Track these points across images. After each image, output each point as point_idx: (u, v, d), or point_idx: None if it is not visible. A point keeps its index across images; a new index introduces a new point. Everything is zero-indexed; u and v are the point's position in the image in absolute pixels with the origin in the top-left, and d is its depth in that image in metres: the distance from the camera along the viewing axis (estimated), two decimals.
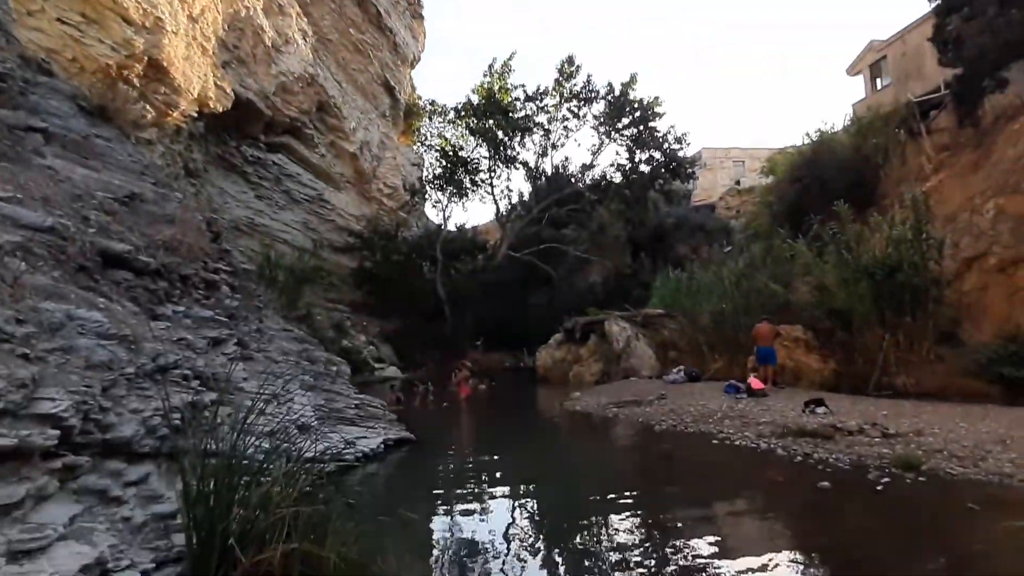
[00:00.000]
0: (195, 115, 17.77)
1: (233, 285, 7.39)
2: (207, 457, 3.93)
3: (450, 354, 24.17)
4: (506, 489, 6.28)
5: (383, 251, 27.99)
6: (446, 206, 30.56)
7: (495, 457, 8.32)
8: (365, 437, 7.96)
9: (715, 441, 8.15)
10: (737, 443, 7.89)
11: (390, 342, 25.77)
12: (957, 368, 11.52)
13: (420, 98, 34.49)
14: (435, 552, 4.57)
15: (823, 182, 19.32)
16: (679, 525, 4.78)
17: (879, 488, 5.53)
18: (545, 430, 10.83)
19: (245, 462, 4.21)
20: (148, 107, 14.62)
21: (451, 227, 32.24)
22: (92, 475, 3.55)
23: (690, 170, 28.88)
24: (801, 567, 3.96)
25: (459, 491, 6.30)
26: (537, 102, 28.43)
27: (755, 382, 11.39)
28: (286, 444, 4.57)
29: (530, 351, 24.66)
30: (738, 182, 38.47)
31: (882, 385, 11.30)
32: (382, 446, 8.14)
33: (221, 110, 18.96)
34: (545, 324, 25.53)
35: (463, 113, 28.72)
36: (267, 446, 4.49)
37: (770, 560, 4.02)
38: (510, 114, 27.84)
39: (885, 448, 6.77)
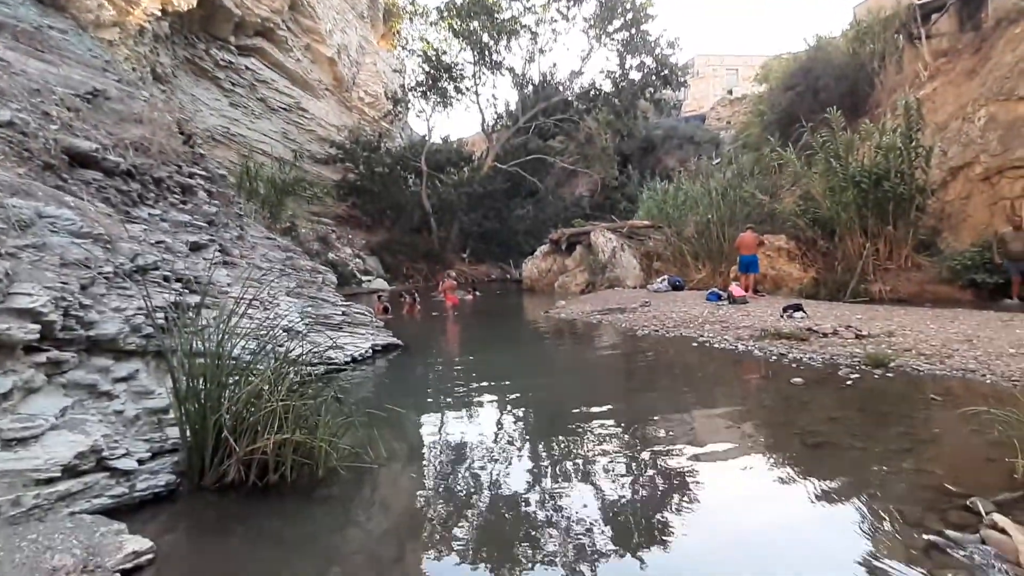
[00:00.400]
0: (159, 14, 16.63)
1: (211, 191, 7.21)
2: (195, 357, 3.99)
3: (437, 266, 24.27)
4: (492, 391, 6.47)
5: (366, 163, 27.31)
6: (430, 116, 29.58)
7: (482, 361, 8.53)
8: (353, 342, 8.09)
9: (695, 344, 8.39)
10: (717, 345, 8.14)
11: (376, 255, 25.70)
12: (932, 275, 11.80)
13: None
14: (421, 445, 4.76)
15: (817, 90, 18.86)
16: (657, 421, 4.99)
17: (848, 383, 5.79)
18: (531, 336, 11.07)
19: (233, 361, 4.29)
20: (106, 2, 13.60)
21: (436, 138, 31.38)
22: (79, 370, 3.59)
23: (682, 78, 27.86)
24: (771, 453, 4.19)
25: (446, 392, 6.49)
26: (524, 2, 26.86)
27: (736, 290, 11.60)
28: (273, 345, 4.61)
29: (516, 263, 24.81)
30: (730, 91, 37.39)
31: (859, 292, 11.56)
32: (370, 351, 8.30)
33: (186, 8, 17.75)
34: (532, 236, 25.55)
35: (446, 14, 27.11)
36: (254, 347, 4.56)
37: (741, 450, 4.25)
38: (495, 15, 26.32)
39: (857, 348, 7.02)
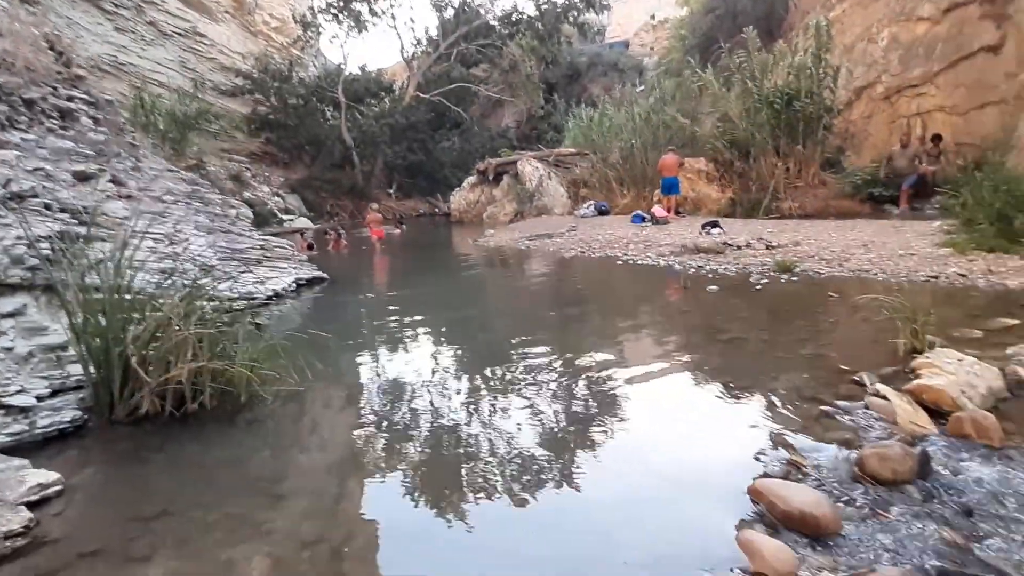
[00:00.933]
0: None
1: (96, 118, 6.52)
2: (92, 291, 3.71)
3: (362, 203, 23.47)
4: (423, 321, 6.33)
5: (278, 94, 25.52)
6: (344, 42, 27.80)
7: (412, 292, 8.42)
8: (274, 276, 7.78)
9: (620, 263, 8.62)
10: (640, 263, 8.39)
11: (297, 193, 24.50)
12: (836, 191, 12.54)
13: None
14: (351, 371, 4.67)
15: (735, 13, 19.04)
16: (585, 340, 5.08)
17: (758, 288, 6.14)
18: (460, 265, 11.02)
19: (139, 296, 4.03)
20: None
21: (353, 68, 29.63)
22: None
23: (604, 1, 27.26)
24: (690, 354, 4.41)
25: (376, 322, 6.35)
26: None
27: (658, 211, 11.92)
28: (182, 279, 4.34)
29: (444, 197, 24.37)
30: (653, 16, 37.02)
31: (771, 209, 12.15)
32: (293, 285, 8.02)
33: None
34: (459, 169, 25.07)
35: None
36: (160, 280, 4.29)
37: (663, 357, 4.46)
38: None
39: (767, 258, 7.43)
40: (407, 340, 5.48)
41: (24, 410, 3.17)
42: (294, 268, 8.49)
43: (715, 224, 9.64)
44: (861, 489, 2.41)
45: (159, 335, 3.80)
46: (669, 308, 6.05)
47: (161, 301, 4.05)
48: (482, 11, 27.21)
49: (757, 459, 2.67)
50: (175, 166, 11.45)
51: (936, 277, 5.78)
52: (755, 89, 12.87)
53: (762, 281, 6.37)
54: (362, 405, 3.91)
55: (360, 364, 4.80)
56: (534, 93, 28.21)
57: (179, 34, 24.47)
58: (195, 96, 21.16)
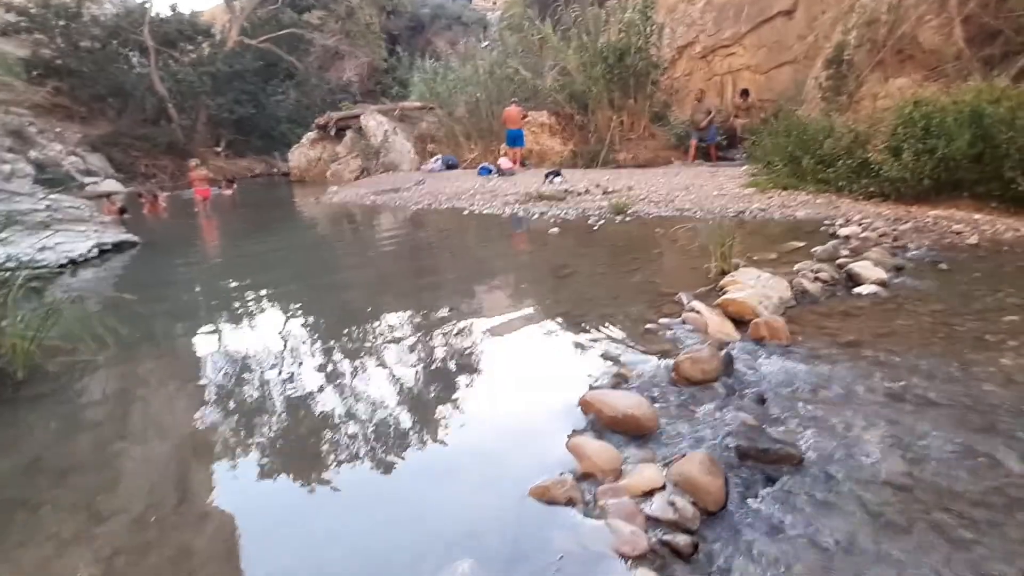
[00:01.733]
0: None
1: None
2: None
3: (184, 162, 20.90)
4: (257, 282, 5.67)
5: (65, 35, 21.58)
6: None
7: (246, 255, 7.63)
8: (67, 242, 6.68)
9: (466, 213, 8.60)
10: (487, 212, 8.44)
11: (100, 151, 21.18)
12: (663, 143, 13.54)
13: None
14: (162, 341, 4.09)
15: None
16: (436, 295, 4.94)
17: (595, 229, 6.46)
18: (301, 224, 10.32)
19: None
20: None
21: (161, 8, 25.86)
22: None
23: None
24: (532, 290, 4.51)
25: (199, 287, 5.64)
26: None
27: (504, 163, 12.05)
28: None
29: (283, 156, 22.54)
30: None
31: (608, 160, 12.81)
32: (95, 251, 6.95)
33: None
34: (297, 124, 23.23)
35: None
36: None
37: (509, 297, 4.51)
38: None
39: (604, 202, 7.83)
40: (237, 306, 4.87)
41: None
42: (95, 231, 7.36)
43: (557, 173, 9.95)
44: (676, 390, 2.62)
45: None
46: (513, 252, 6.17)
47: None
48: None
49: (589, 376, 2.80)
50: None
51: (743, 212, 6.48)
52: (589, 44, 13.30)
53: (599, 223, 6.71)
54: (176, 376, 3.46)
55: (176, 333, 4.24)
56: (375, 44, 26.79)
57: None
58: None
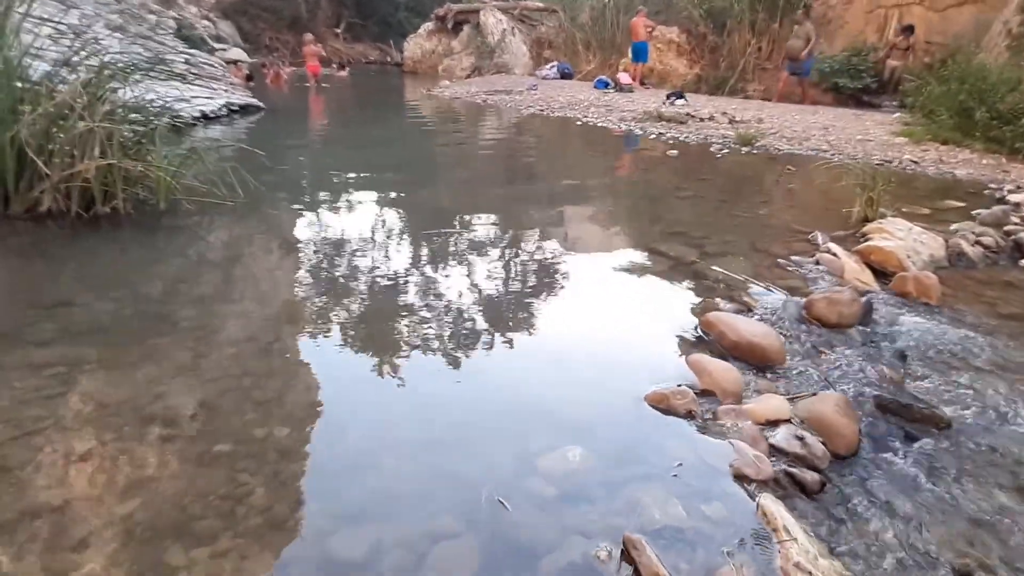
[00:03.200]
0: None
1: None
2: None
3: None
4: (364, 166, 5.66)
5: None
6: None
7: (355, 135, 7.76)
8: (202, 96, 6.98)
9: (579, 123, 8.25)
10: (599, 125, 8.05)
11: (230, 19, 21.80)
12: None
13: None
14: (285, 199, 4.25)
15: None
16: (538, 201, 4.78)
17: (718, 156, 6.01)
18: (411, 112, 10.30)
19: (36, 86, 3.44)
20: None
21: None
22: None
23: None
24: (649, 206, 4.29)
25: (314, 157, 5.83)
26: None
27: (623, 77, 11.36)
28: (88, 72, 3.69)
29: (398, 46, 22.37)
30: None
31: (736, 89, 11.81)
32: (224, 109, 7.25)
33: None
34: (416, 14, 22.88)
35: None
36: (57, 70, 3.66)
37: (620, 211, 4.31)
38: None
39: (729, 131, 7.25)
40: (346, 180, 4.99)
41: None
42: (225, 91, 7.65)
43: (679, 95, 9.29)
44: (805, 329, 2.43)
45: (61, 123, 3.30)
46: (628, 166, 5.87)
47: (61, 87, 3.49)
48: None
49: (707, 299, 2.64)
50: None
51: (890, 162, 5.80)
52: None
53: (723, 151, 6.23)
54: (294, 237, 3.54)
55: (290, 196, 4.38)
56: None
57: None
58: None
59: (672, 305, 2.63)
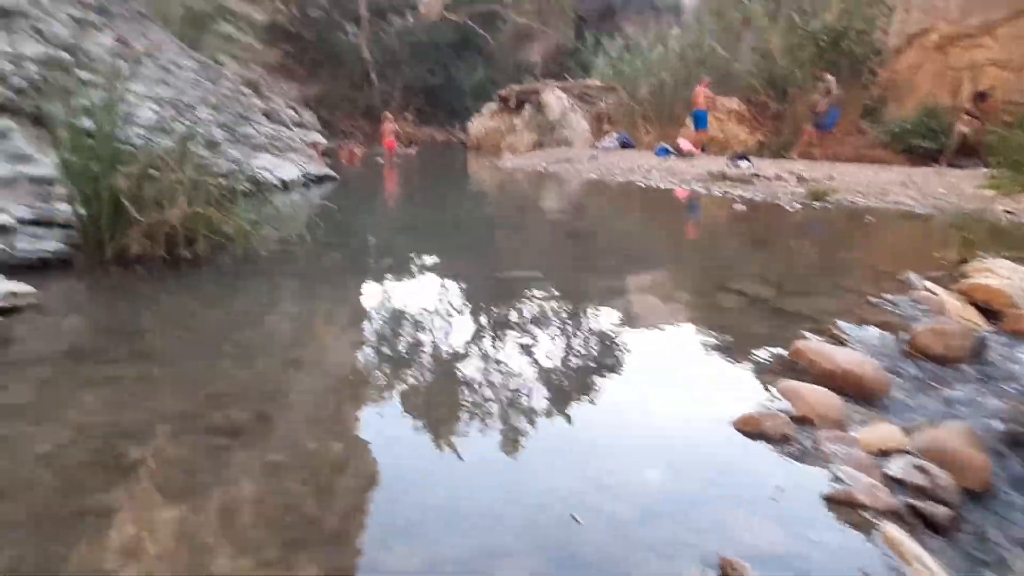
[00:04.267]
0: None
1: None
2: (84, 134, 3.42)
3: (378, 126, 22.74)
4: (430, 227, 5.86)
5: (298, 3, 24.43)
6: None
7: (422, 195, 8.11)
8: (282, 164, 7.47)
9: (641, 184, 8.26)
10: (662, 187, 8.01)
11: (312, 109, 23.78)
12: (871, 140, 11.92)
13: None
14: (350, 251, 4.39)
15: None
16: (604, 258, 4.77)
17: (789, 210, 5.80)
18: (473, 179, 10.66)
19: (131, 147, 3.77)
20: None
21: None
22: None
23: None
24: (725, 251, 4.11)
25: (382, 220, 6.07)
26: None
27: (684, 143, 11.41)
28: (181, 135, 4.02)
29: (463, 127, 23.62)
30: None
31: (801, 154, 11.60)
32: (302, 178, 7.72)
33: None
34: (480, 99, 24.15)
35: None
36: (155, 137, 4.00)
37: (701, 256, 4.17)
38: None
39: (799, 188, 7.04)
40: (413, 242, 5.03)
41: (3, 229, 2.94)
42: (303, 161, 8.17)
43: (743, 157, 9.20)
44: (910, 363, 2.17)
45: (152, 175, 3.55)
46: (698, 220, 5.74)
47: (156, 144, 3.80)
48: None
49: (794, 335, 2.42)
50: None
51: (982, 211, 5.41)
52: (802, 23, 12.06)
53: (794, 205, 6.03)
54: (357, 292, 3.63)
55: (361, 254, 4.48)
56: (566, 23, 26.94)
57: None
58: None
59: (754, 337, 2.43)
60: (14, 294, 2.48)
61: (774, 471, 1.44)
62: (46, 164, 3.58)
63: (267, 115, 16.31)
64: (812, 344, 2.09)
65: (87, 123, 3.54)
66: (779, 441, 1.55)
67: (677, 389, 1.98)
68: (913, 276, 3.13)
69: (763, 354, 2.19)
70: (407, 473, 1.47)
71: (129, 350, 2.16)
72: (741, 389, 1.91)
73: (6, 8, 3.64)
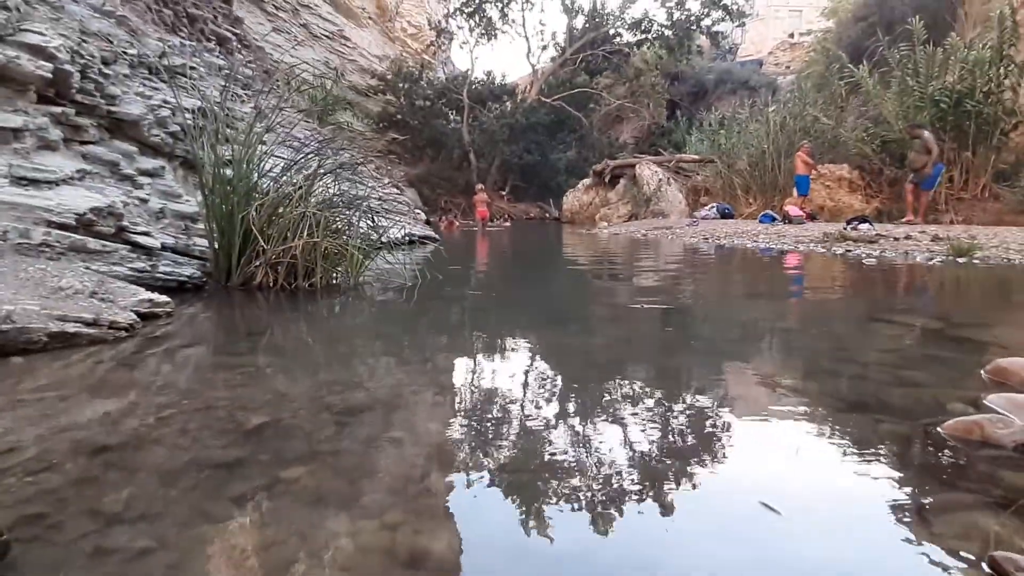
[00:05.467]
0: None
1: (243, 46, 6.88)
2: (224, 184, 3.71)
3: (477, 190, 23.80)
4: (521, 293, 5.89)
5: (407, 95, 26.71)
6: (473, 47, 28.54)
7: (514, 257, 8.15)
8: (390, 225, 7.79)
9: (749, 246, 7.84)
10: (775, 248, 7.57)
11: (414, 187, 25.36)
12: (1012, 206, 10.82)
13: None
14: (449, 301, 4.39)
15: (891, 22, 17.36)
16: (747, 306, 4.50)
17: (929, 266, 5.22)
18: (567, 245, 10.62)
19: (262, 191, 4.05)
20: None
21: (479, 73, 30.48)
22: (100, 147, 3.34)
23: (742, 5, 26.01)
24: (881, 295, 3.70)
25: (482, 283, 6.11)
26: None
27: (792, 209, 10.88)
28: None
29: (556, 204, 24.16)
30: (792, 35, 35.13)
31: (928, 222, 10.71)
32: (406, 238, 8.02)
33: None
34: (573, 175, 24.80)
35: None
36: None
37: (810, 331, 3.79)
38: None
39: (935, 247, 6.39)
40: (503, 303, 5.10)
41: (148, 250, 3.15)
42: (408, 223, 8.52)
43: (864, 219, 8.57)
44: None
45: (280, 211, 3.76)
46: (821, 276, 5.26)
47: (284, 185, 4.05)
48: (611, 18, 26.94)
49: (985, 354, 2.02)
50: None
51: None
52: (917, 86, 11.48)
53: (934, 261, 5.43)
54: (450, 338, 3.59)
55: (457, 308, 4.49)
56: (658, 104, 27.51)
57: (327, 36, 26.40)
58: (336, 81, 22.57)
59: (933, 360, 2.05)
60: (152, 301, 2.59)
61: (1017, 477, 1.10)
62: (191, 203, 3.88)
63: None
64: (1018, 361, 1.70)
65: (228, 172, 3.84)
66: (1014, 449, 1.21)
67: (856, 406, 1.65)
68: None
69: (948, 376, 1.82)
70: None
71: (251, 346, 2.16)
72: (936, 405, 1.56)
73: (172, 67, 4.13)
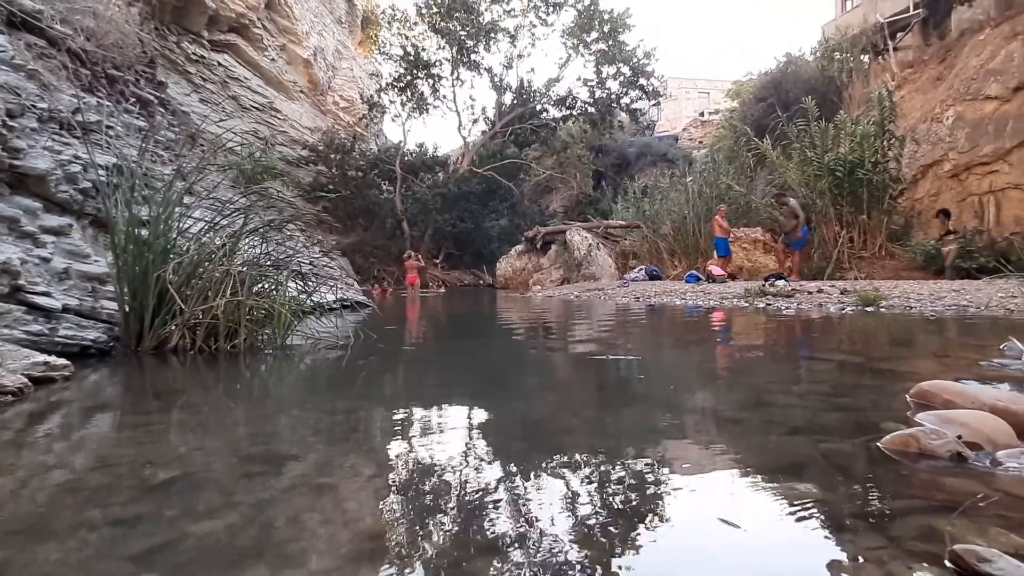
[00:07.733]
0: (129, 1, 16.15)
1: (167, 110, 6.73)
2: (139, 243, 3.50)
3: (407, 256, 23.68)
4: (457, 354, 5.93)
5: (339, 166, 26.81)
6: (405, 120, 29.26)
7: (447, 322, 8.06)
8: (318, 285, 7.57)
9: (678, 303, 8.12)
10: (702, 305, 7.86)
11: (347, 256, 25.01)
12: (907, 262, 11.86)
13: (379, 6, 32.53)
14: (382, 361, 4.27)
15: (787, 103, 19.28)
16: (647, 385, 4.60)
17: (842, 314, 5.55)
18: (501, 307, 10.64)
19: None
20: None
21: (411, 145, 31.10)
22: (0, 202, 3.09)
23: (657, 86, 28.20)
24: (777, 344, 3.85)
25: (414, 345, 6.02)
26: (504, 4, 27.02)
27: (716, 269, 11.46)
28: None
29: (490, 271, 24.43)
30: (703, 113, 38.26)
31: (835, 279, 11.53)
32: (338, 304, 7.79)
33: None
34: (506, 243, 25.28)
35: (425, 11, 27.05)
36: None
37: (774, 360, 3.92)
38: (475, 15, 26.40)
39: (845, 299, 6.84)
40: (427, 379, 5.05)
41: (47, 313, 2.87)
42: (340, 288, 8.31)
43: (780, 276, 9.13)
44: None
45: (201, 271, 3.56)
46: (748, 327, 5.47)
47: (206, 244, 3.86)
48: (538, 95, 28.45)
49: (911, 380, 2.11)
50: None
51: None
52: (815, 157, 12.65)
53: (844, 311, 5.79)
54: (395, 386, 3.46)
55: (389, 369, 4.40)
56: (584, 175, 28.86)
57: (257, 108, 26.36)
58: (264, 150, 22.37)
59: (861, 388, 2.11)
60: (48, 364, 2.33)
61: (965, 485, 1.11)
62: (101, 263, 3.61)
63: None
64: (946, 384, 1.78)
65: (143, 232, 3.63)
66: (950, 459, 1.24)
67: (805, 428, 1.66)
68: (1018, 342, 2.82)
69: (874, 399, 1.88)
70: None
71: (158, 406, 1.96)
72: (870, 426, 1.59)
73: (85, 123, 3.94)
